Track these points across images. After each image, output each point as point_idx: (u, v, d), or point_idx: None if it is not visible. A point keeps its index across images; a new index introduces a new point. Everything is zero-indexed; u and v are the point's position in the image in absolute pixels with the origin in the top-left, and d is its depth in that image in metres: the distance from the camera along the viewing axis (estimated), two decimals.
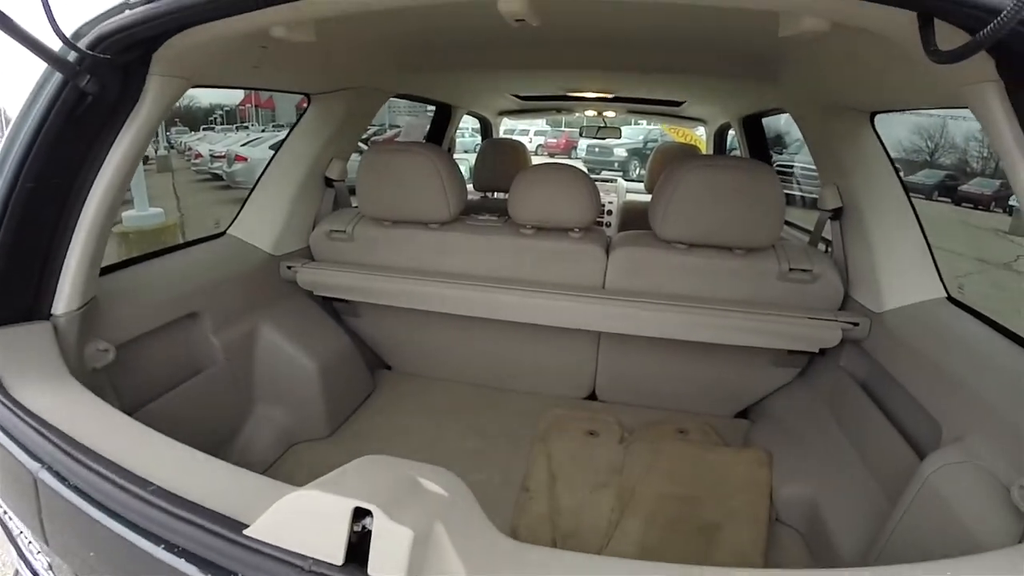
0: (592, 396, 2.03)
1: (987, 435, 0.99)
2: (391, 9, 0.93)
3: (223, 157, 12.71)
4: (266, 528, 0.57)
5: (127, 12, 0.88)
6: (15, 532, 0.99)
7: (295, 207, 1.90)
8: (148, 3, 0.87)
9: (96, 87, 0.97)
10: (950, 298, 1.43)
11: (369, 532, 0.53)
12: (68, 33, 0.96)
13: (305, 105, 1.96)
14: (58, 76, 0.97)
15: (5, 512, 0.97)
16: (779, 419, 1.75)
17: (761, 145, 2.90)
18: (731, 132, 3.42)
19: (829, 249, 1.79)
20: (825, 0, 0.69)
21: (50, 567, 0.93)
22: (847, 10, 0.71)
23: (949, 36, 0.63)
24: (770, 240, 1.57)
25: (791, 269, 1.56)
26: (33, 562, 0.99)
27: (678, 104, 3.21)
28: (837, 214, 1.65)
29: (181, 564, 0.59)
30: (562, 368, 1.98)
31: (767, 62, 1.60)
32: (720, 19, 0.89)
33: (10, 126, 1.05)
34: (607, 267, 1.70)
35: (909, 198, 1.51)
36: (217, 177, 12.82)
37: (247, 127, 20.78)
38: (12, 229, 1.00)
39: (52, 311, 1.10)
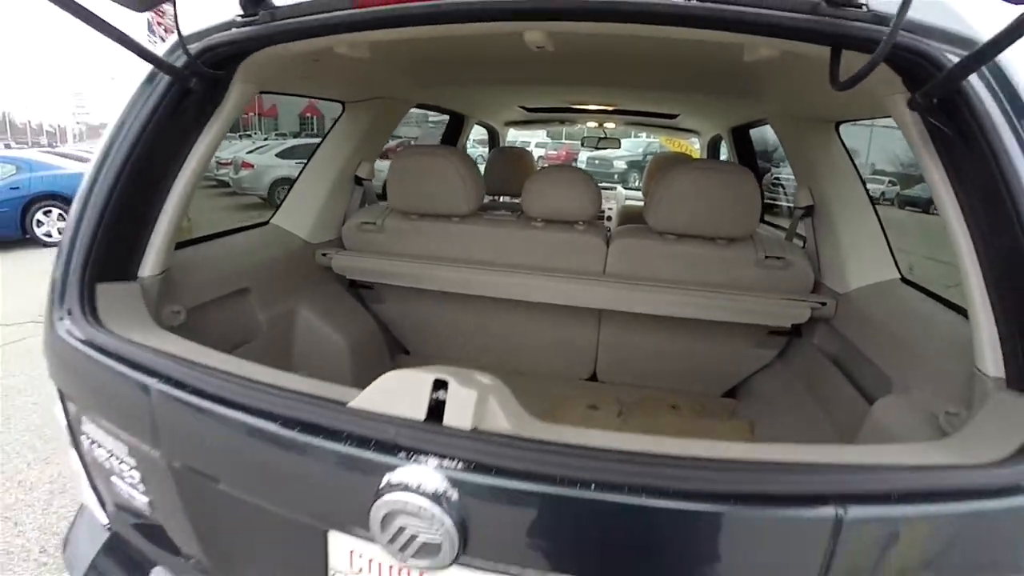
0: (593, 377, 2.24)
1: (925, 381, 1.18)
2: (435, 36, 1.12)
3: (229, 164, 12.84)
4: (365, 400, 0.78)
5: (233, 30, 1.10)
6: (100, 458, 1.12)
7: (329, 201, 2.13)
8: (249, 25, 1.09)
9: (199, 88, 1.18)
10: (903, 279, 1.65)
11: (443, 402, 0.75)
12: (168, 47, 1.20)
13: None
14: (165, 79, 1.19)
15: (93, 443, 1.12)
16: (761, 394, 1.97)
17: (749, 154, 3.14)
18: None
19: (804, 243, 2.02)
20: (767, 39, 0.92)
21: (141, 480, 1.06)
22: (788, 44, 0.94)
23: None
24: (747, 232, 1.80)
25: (767, 257, 1.78)
26: (118, 484, 1.12)
27: (673, 117, 3.46)
28: (809, 211, 1.88)
29: (296, 434, 0.78)
30: (566, 351, 2.19)
31: (747, 80, 1.83)
32: (701, 46, 1.10)
33: (117, 119, 1.26)
34: (607, 255, 1.92)
35: (869, 195, 1.74)
36: (223, 184, 12.90)
37: (250, 135, 21.06)
38: (119, 203, 1.18)
39: (139, 274, 1.27)
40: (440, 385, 0.75)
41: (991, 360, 0.87)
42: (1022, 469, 0.70)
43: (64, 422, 1.19)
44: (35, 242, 8.72)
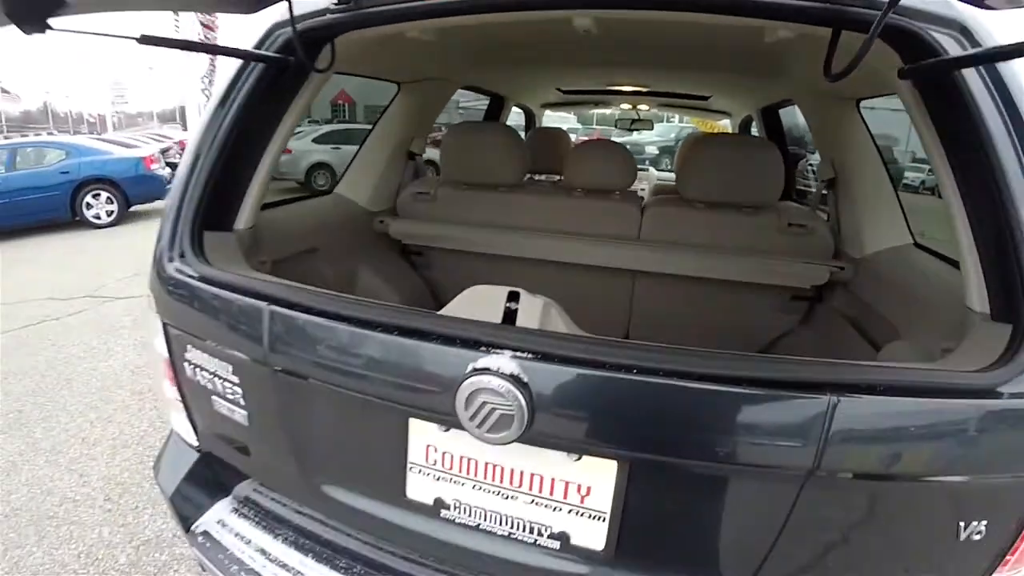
0: (626, 339, 2.40)
1: (927, 329, 1.31)
2: (494, 22, 1.27)
3: None
4: (452, 309, 0.98)
5: (328, 16, 1.29)
6: (202, 381, 1.25)
7: (385, 174, 2.34)
8: (341, 12, 1.28)
9: (293, 67, 1.38)
10: (916, 243, 1.78)
11: (515, 311, 0.94)
12: (265, 30, 1.39)
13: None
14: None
15: (196, 367, 1.26)
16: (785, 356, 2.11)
17: (778, 134, 3.25)
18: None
19: (828, 217, 2.15)
20: (782, 22, 1.07)
21: (243, 395, 1.20)
22: (802, 26, 1.09)
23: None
24: (771, 200, 1.94)
25: (790, 224, 1.92)
26: (217, 403, 1.25)
27: (705, 98, 3.58)
28: (831, 183, 2.01)
29: (394, 337, 0.96)
30: (601, 314, 2.34)
31: (771, 61, 1.96)
32: (728, 29, 1.19)
33: (220, 94, 1.44)
34: (642, 221, 2.08)
35: (886, 167, 1.87)
36: None
37: None
38: (225, 165, 1.37)
39: (235, 226, 1.46)
40: (512, 298, 0.94)
41: (977, 298, 1.01)
42: (995, 375, 0.84)
43: (165, 354, 1.35)
44: (84, 224, 9.09)
